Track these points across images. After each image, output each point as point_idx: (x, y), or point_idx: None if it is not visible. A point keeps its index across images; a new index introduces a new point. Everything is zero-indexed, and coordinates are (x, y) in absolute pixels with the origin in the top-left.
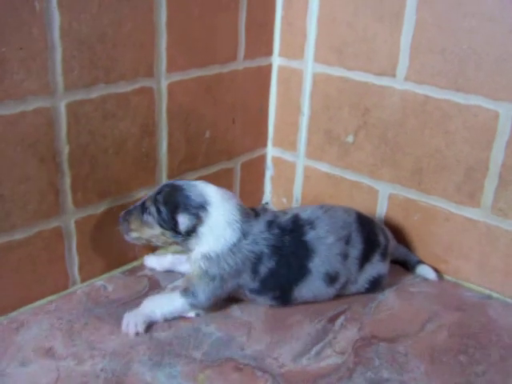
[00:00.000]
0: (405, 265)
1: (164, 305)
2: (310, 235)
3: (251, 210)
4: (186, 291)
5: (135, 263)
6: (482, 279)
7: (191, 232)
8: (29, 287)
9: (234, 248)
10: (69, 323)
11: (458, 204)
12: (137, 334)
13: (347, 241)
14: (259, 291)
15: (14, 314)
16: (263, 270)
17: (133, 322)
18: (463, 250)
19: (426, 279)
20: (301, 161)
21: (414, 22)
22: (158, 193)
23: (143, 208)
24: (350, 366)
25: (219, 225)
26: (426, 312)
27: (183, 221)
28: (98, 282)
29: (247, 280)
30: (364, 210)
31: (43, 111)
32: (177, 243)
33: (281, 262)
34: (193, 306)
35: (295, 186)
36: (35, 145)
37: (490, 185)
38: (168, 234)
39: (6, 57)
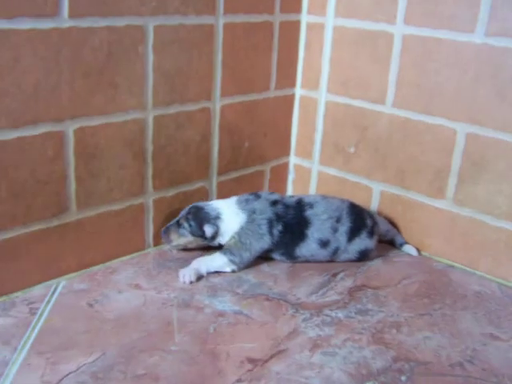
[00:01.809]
0: (393, 243)
1: (208, 261)
2: (309, 212)
3: (251, 195)
4: (226, 251)
5: None
6: (447, 253)
7: (215, 234)
8: (119, 245)
9: (249, 220)
10: (148, 270)
11: (429, 197)
12: (191, 282)
13: (338, 220)
14: (273, 250)
15: (108, 263)
16: (276, 232)
17: (187, 274)
18: (433, 232)
19: (406, 253)
20: (315, 167)
21: (398, 64)
22: (188, 213)
23: (178, 224)
24: (346, 301)
25: (232, 218)
26: (403, 273)
27: (208, 229)
28: (165, 247)
29: (268, 242)
30: (362, 203)
31: (138, 121)
32: (207, 243)
33: (286, 228)
34: (231, 262)
35: (311, 187)
36: (131, 144)
37: (452, 182)
38: (199, 239)
39: (118, 83)
